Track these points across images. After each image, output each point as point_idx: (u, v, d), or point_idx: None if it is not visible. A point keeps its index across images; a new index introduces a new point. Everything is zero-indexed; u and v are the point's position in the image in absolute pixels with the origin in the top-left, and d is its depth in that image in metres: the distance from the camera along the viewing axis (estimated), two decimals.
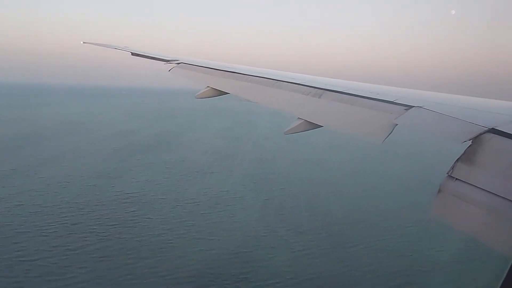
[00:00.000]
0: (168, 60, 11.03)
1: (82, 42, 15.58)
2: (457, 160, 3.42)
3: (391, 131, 4.71)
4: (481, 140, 3.47)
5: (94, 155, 75.37)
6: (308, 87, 7.10)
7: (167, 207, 46.38)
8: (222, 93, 8.72)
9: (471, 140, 3.52)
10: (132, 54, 12.31)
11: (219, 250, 35.40)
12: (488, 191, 3.06)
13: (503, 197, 2.93)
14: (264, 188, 56.58)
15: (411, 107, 4.91)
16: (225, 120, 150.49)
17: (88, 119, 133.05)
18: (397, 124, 4.73)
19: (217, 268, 32.34)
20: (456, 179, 3.31)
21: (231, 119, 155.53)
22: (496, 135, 3.48)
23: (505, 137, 3.41)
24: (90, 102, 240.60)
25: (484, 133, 3.53)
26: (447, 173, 3.39)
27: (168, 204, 47.66)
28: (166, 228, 39.91)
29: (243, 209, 47.06)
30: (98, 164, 66.84)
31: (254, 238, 38.44)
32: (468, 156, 3.39)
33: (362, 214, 47.39)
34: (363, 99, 5.83)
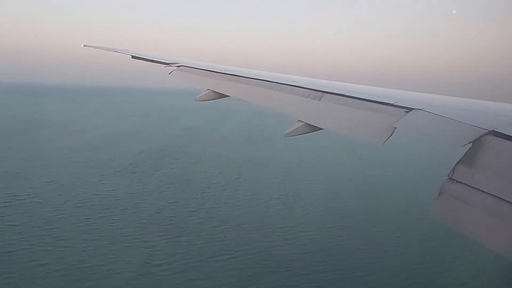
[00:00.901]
0: (168, 63, 10.86)
1: (82, 45, 15.47)
2: (458, 162, 3.38)
3: (391, 134, 4.61)
4: (481, 142, 3.43)
5: (21, 153, 70.39)
6: (308, 90, 6.97)
7: (44, 212, 41.04)
8: (222, 95, 8.64)
9: (471, 143, 3.45)
10: (133, 57, 12.16)
11: (55, 265, 29.92)
12: (489, 193, 3.02)
13: (504, 199, 2.90)
14: (178, 190, 51.07)
15: (411, 109, 4.85)
16: (197, 119, 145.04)
17: (50, 118, 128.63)
18: (394, 130, 4.66)
19: (39, 286, 26.93)
20: (457, 181, 3.27)
21: (205, 118, 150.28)
22: (496, 137, 3.44)
23: (506, 139, 3.36)
24: (73, 101, 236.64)
25: (484, 135, 3.49)
26: (448, 175, 3.34)
27: (50, 207, 42.31)
28: (18, 237, 34.48)
29: (132, 214, 41.57)
30: (14, 163, 61.79)
31: (112, 249, 32.96)
32: (468, 158, 3.35)
33: (277, 217, 41.87)
34: (363, 101, 5.74)
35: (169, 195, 48.55)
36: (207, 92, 8.89)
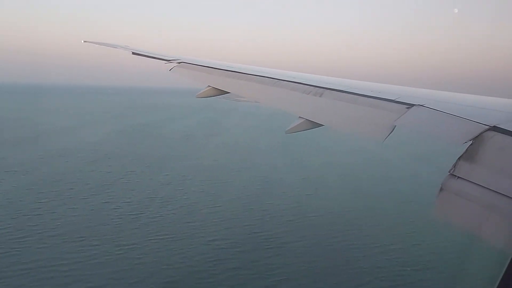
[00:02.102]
0: (169, 60, 10.70)
1: (83, 41, 15.18)
2: (459, 158, 3.33)
3: (392, 130, 4.54)
4: (483, 138, 3.38)
5: None
6: (309, 86, 6.87)
7: None
8: (222, 92, 8.52)
9: (472, 139, 3.42)
10: (133, 53, 11.89)
11: None
12: (491, 189, 2.97)
13: (506, 195, 2.85)
14: (33, 192, 44.09)
15: (412, 105, 4.80)
16: (159, 116, 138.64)
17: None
18: (396, 126, 4.59)
19: None
20: (458, 177, 3.22)
21: (169, 115, 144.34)
22: (498, 133, 3.38)
23: (507, 135, 3.31)
24: (53, 100, 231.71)
25: (486, 131, 3.44)
26: (449, 172, 3.29)
27: None
28: None
29: None
30: None
31: None
32: (470, 154, 3.30)
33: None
34: (364, 97, 5.66)
35: (12, 198, 41.64)
36: (207, 88, 8.70)
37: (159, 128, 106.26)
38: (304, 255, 30.64)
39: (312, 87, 6.74)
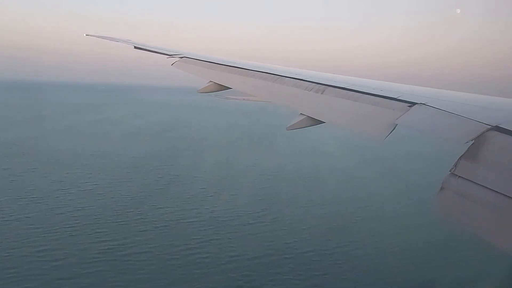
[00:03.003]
0: (171, 54, 10.54)
1: (85, 35, 15.39)
2: (460, 157, 3.27)
3: (394, 128, 4.49)
4: (484, 138, 3.31)
5: None
6: (310, 83, 6.80)
7: None
8: (224, 88, 8.47)
9: (474, 139, 3.34)
10: (135, 47, 11.83)
11: None
12: (491, 189, 2.90)
13: (506, 195, 2.79)
14: None
15: (414, 104, 4.71)
16: (124, 113, 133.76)
17: None
18: (397, 124, 4.53)
19: None
20: (459, 176, 3.16)
21: (135, 112, 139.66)
22: (499, 132, 3.32)
23: (509, 134, 3.25)
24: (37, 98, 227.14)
25: (487, 130, 3.37)
26: (450, 171, 3.24)
27: None
28: None
29: None
30: None
31: None
32: (471, 154, 3.24)
33: None
34: (366, 95, 5.57)
35: None
36: (209, 84, 8.58)
37: (113, 125, 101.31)
38: (135, 271, 25.30)
39: (313, 84, 6.65)
